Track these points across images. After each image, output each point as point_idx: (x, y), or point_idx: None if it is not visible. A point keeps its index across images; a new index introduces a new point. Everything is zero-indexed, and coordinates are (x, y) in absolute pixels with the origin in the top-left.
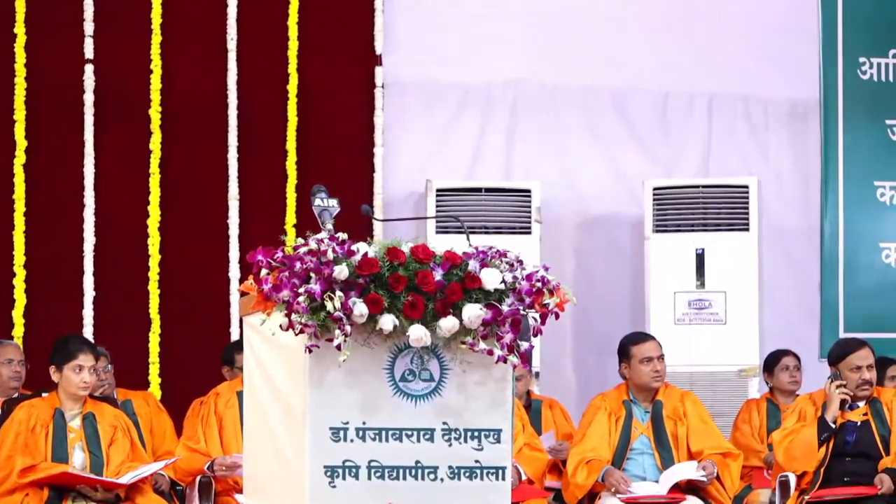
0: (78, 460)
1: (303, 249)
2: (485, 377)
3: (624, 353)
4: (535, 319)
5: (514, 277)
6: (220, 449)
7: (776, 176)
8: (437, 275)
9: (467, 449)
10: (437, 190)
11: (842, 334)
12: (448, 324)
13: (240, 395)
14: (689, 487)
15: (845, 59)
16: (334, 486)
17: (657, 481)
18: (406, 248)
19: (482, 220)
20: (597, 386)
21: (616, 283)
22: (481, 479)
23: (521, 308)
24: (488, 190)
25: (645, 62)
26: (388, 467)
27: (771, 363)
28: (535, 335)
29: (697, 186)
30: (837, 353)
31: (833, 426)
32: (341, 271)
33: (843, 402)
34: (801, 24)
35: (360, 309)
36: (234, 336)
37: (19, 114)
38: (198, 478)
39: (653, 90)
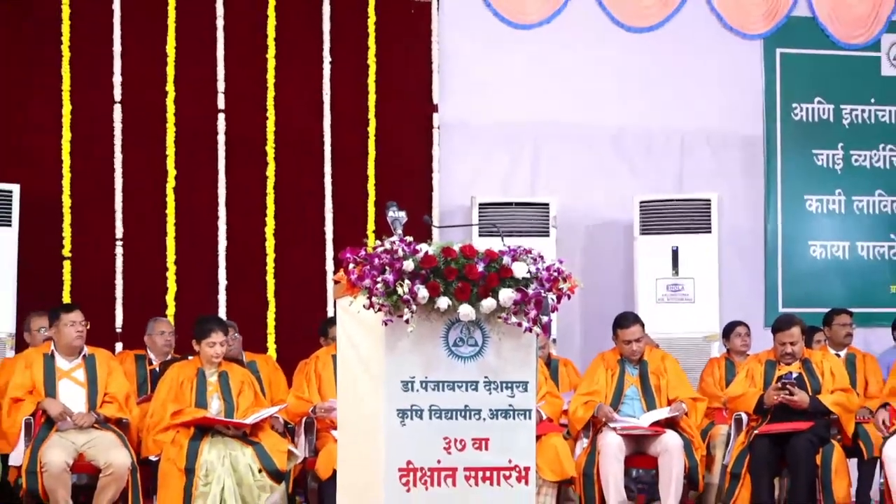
0: (214, 407)
1: (380, 249)
2: (516, 343)
3: (614, 330)
4: (553, 300)
5: (537, 269)
6: (320, 397)
7: (732, 192)
8: (480, 267)
9: (503, 396)
10: (480, 204)
11: (781, 309)
12: (488, 303)
13: (334, 357)
14: (668, 423)
15: (782, 104)
16: (404, 425)
17: None
18: (457, 248)
19: (513, 226)
20: (598, 348)
21: (613, 273)
22: (514, 418)
23: (542, 291)
24: (518, 204)
25: (635, 108)
26: (445, 410)
27: (728, 331)
28: (553, 311)
29: (673, 200)
30: (773, 327)
31: (765, 408)
32: (408, 265)
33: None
34: (748, 79)
35: (423, 293)
36: (329, 314)
37: (170, 150)
38: (303, 419)
39: (641, 127)
